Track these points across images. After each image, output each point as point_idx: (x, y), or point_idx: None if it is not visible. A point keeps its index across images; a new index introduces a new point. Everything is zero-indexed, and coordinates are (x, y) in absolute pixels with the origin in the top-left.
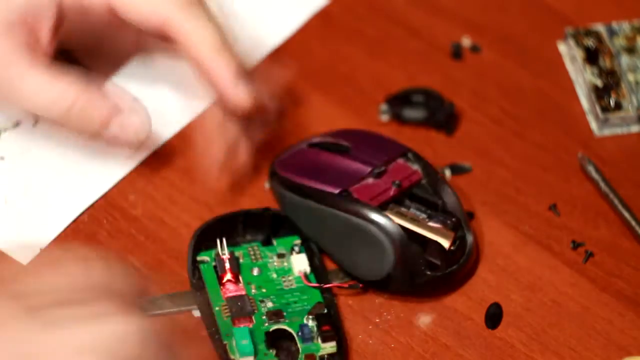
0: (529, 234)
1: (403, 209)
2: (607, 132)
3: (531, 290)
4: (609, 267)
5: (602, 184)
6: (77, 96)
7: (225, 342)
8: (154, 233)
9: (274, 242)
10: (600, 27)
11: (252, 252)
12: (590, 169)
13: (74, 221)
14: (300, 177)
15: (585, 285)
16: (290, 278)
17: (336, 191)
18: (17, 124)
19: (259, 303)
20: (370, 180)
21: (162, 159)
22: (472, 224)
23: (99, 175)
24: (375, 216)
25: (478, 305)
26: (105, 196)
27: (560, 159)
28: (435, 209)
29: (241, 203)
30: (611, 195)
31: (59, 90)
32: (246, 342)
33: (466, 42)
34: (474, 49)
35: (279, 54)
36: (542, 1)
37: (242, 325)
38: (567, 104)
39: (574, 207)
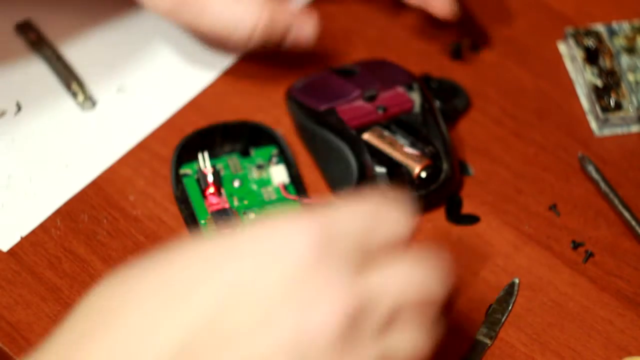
0: (529, 234)
1: (386, 133)
2: (607, 132)
3: (531, 290)
4: (609, 267)
5: (602, 184)
6: (263, 9)
7: None
8: (154, 233)
9: (252, 152)
10: (600, 27)
11: (231, 164)
12: (590, 169)
13: (74, 220)
14: (302, 94)
15: (585, 285)
16: (269, 189)
17: (321, 108)
18: (1, 114)
19: (242, 215)
20: (359, 102)
21: (161, 159)
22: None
23: (82, 165)
24: (344, 134)
25: (478, 305)
26: (105, 196)
27: (560, 159)
28: (419, 137)
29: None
30: (611, 195)
31: (245, 5)
32: None
33: (466, 42)
34: (474, 49)
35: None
36: (542, 1)
37: None
38: (567, 104)
39: (574, 207)
